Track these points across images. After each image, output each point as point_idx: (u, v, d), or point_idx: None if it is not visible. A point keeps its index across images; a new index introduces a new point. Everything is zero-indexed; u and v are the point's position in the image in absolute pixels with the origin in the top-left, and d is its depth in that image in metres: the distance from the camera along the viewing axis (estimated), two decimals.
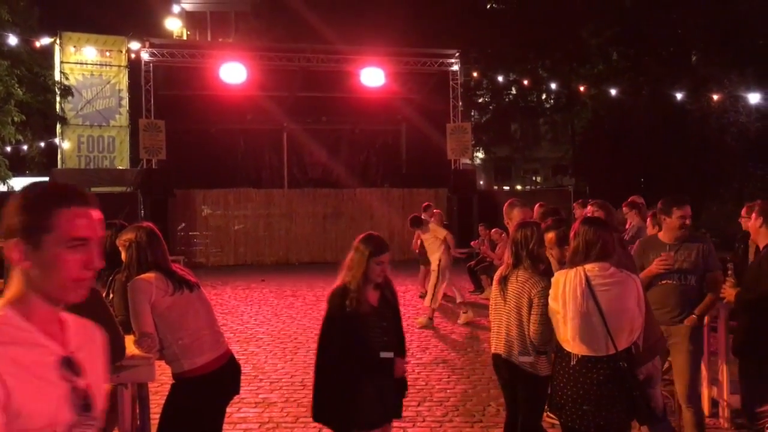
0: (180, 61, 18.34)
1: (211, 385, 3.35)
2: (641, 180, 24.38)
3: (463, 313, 9.63)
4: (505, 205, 5.49)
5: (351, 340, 3.47)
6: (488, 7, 30.17)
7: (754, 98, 20.50)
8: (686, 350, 4.31)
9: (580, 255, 3.46)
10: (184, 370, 3.30)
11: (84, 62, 19.56)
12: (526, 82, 25.40)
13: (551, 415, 4.84)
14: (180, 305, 3.30)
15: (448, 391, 6.24)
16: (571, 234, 3.61)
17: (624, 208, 7.29)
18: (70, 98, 19.39)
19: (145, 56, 18.17)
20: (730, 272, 4.60)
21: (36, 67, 19.50)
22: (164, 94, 18.51)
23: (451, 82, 19.68)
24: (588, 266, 3.40)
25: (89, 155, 19.71)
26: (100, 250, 1.52)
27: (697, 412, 4.36)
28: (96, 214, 1.52)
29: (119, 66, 19.85)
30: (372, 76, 18.49)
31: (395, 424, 4.10)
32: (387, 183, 20.96)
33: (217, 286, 13.56)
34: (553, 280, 3.57)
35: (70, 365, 1.47)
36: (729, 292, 4.38)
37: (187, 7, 35.50)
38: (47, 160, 21.63)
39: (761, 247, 4.47)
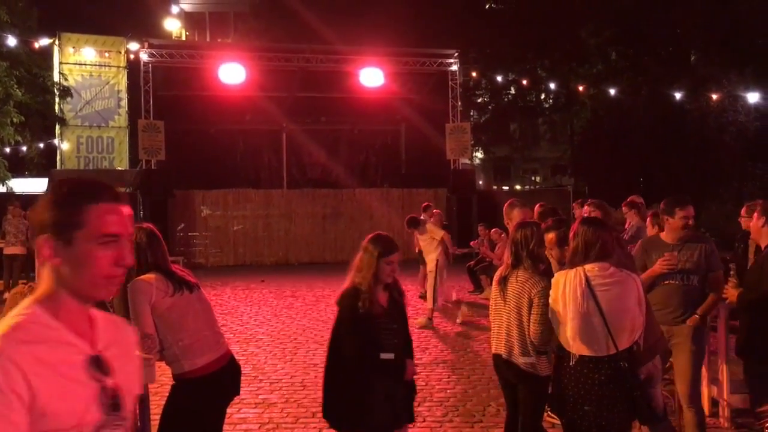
0: (179, 62, 18.34)
1: (212, 386, 3.35)
2: (640, 179, 24.39)
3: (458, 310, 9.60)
4: (505, 205, 5.49)
5: (363, 342, 3.42)
6: (487, 7, 30.16)
7: (753, 98, 20.52)
8: (688, 350, 4.31)
9: (579, 255, 3.46)
10: (185, 370, 3.30)
11: (83, 63, 19.54)
12: (525, 82, 25.39)
13: (551, 415, 4.85)
14: (180, 306, 3.29)
15: (448, 391, 6.24)
16: (571, 234, 3.61)
17: (623, 208, 7.29)
18: (69, 99, 19.38)
19: (144, 57, 18.17)
20: (732, 273, 4.61)
21: (35, 68, 19.48)
22: (163, 94, 18.50)
23: (450, 82, 19.68)
24: (588, 266, 3.40)
25: (88, 156, 19.70)
26: (131, 247, 1.52)
27: (698, 412, 4.36)
28: (126, 210, 1.51)
29: (118, 67, 19.84)
30: (371, 77, 18.50)
31: None
32: (386, 183, 20.96)
33: (217, 286, 13.55)
34: (553, 280, 3.57)
35: (98, 364, 1.46)
36: (731, 292, 4.39)
37: (186, 7, 35.52)
38: (46, 161, 21.62)
39: (762, 246, 4.48)
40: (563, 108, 29.03)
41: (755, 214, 4.54)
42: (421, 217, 10.30)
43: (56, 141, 19.80)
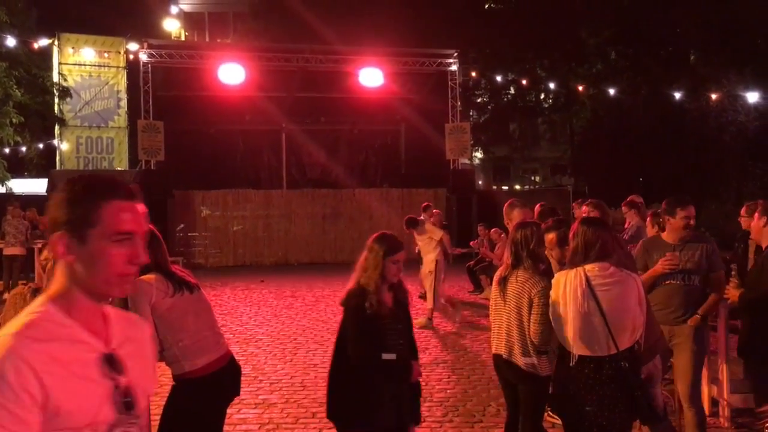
0: (178, 62, 18.33)
1: (212, 387, 3.34)
2: (640, 179, 24.40)
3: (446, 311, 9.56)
4: (505, 205, 5.48)
5: (370, 342, 3.37)
6: (486, 7, 30.16)
7: (752, 97, 20.53)
8: (689, 350, 4.32)
9: (579, 255, 3.46)
10: (185, 371, 3.30)
11: (82, 63, 19.53)
12: (524, 82, 25.40)
13: (552, 415, 4.85)
14: (180, 307, 3.29)
15: (448, 391, 6.24)
16: (570, 234, 3.60)
17: (623, 208, 7.28)
18: (68, 99, 19.37)
19: (143, 57, 18.17)
20: (733, 273, 4.61)
21: (34, 69, 19.49)
22: (163, 95, 18.50)
23: (449, 82, 19.69)
24: (588, 266, 3.40)
25: (88, 156, 19.69)
26: (145, 245, 1.51)
27: (699, 412, 4.36)
28: (141, 207, 1.50)
29: (117, 67, 19.82)
30: (370, 77, 18.50)
31: None
32: (386, 183, 20.95)
33: (217, 287, 13.55)
34: (553, 281, 3.57)
35: (111, 362, 1.45)
36: (732, 293, 4.40)
37: (185, 7, 35.51)
38: (46, 161, 21.64)
39: (763, 246, 4.48)
40: (563, 108, 29.05)
41: (756, 215, 4.54)
42: (421, 217, 10.29)
43: (55, 141, 19.79)
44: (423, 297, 10.24)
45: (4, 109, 17.87)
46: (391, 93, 19.34)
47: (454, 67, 19.60)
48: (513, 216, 5.25)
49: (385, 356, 3.36)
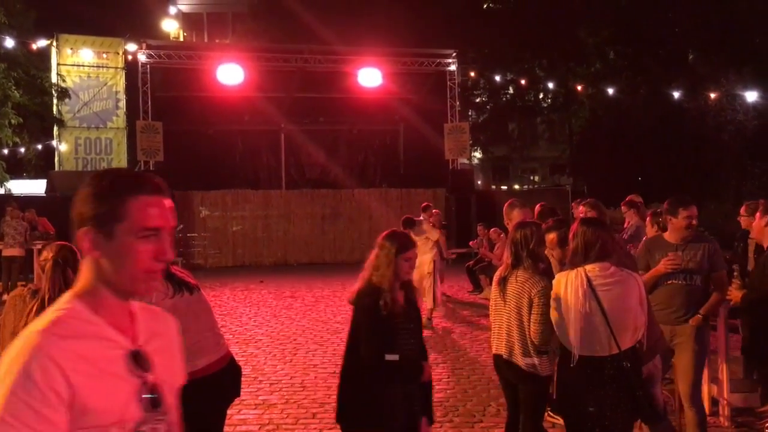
0: (177, 63, 18.32)
1: (212, 388, 3.33)
2: (639, 179, 24.40)
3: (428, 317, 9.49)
4: (505, 205, 5.47)
5: (383, 342, 3.30)
6: (485, 6, 30.17)
7: (751, 96, 20.56)
8: (691, 350, 4.32)
9: (579, 256, 3.46)
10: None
11: (81, 64, 19.51)
12: (523, 82, 25.41)
13: (552, 415, 4.85)
14: (180, 308, 3.28)
15: (448, 391, 6.23)
16: (570, 235, 3.60)
17: (622, 207, 7.27)
18: (67, 100, 19.34)
19: (142, 58, 18.16)
20: (735, 274, 4.61)
21: (33, 70, 19.47)
22: (161, 95, 18.49)
23: (448, 82, 19.70)
24: (588, 267, 3.40)
25: (86, 157, 19.66)
26: (172, 241, 1.48)
27: (700, 411, 4.36)
28: (168, 202, 1.48)
29: (116, 68, 19.80)
30: (369, 77, 18.50)
31: None
32: (385, 183, 20.97)
33: (216, 287, 13.55)
34: (554, 281, 3.57)
35: (138, 360, 1.43)
36: (735, 294, 4.40)
37: (184, 8, 35.49)
38: (44, 162, 21.60)
39: (765, 246, 4.48)
40: (562, 107, 29.06)
41: (757, 214, 4.54)
42: (420, 218, 10.30)
43: (54, 142, 19.77)
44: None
45: (2, 110, 17.86)
46: (389, 93, 19.35)
47: (452, 67, 19.61)
48: (513, 216, 5.24)
49: (389, 357, 3.32)
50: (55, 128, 19.55)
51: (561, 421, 4.58)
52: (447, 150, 19.33)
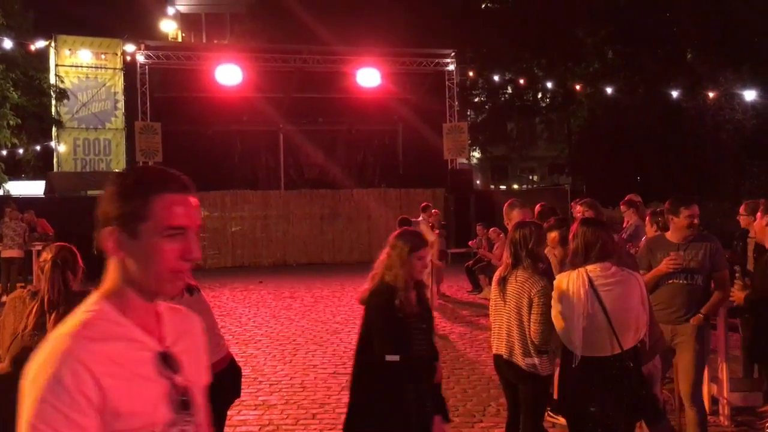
0: (175, 63, 18.32)
1: (212, 389, 3.33)
2: (638, 178, 24.42)
3: None
4: (505, 205, 5.47)
5: (397, 342, 3.25)
6: (483, 6, 30.20)
7: (749, 95, 20.57)
8: (692, 349, 4.31)
9: (579, 256, 3.45)
10: None
11: (79, 65, 19.49)
12: (522, 81, 25.41)
13: (552, 415, 4.85)
14: None
15: (448, 391, 6.22)
16: (570, 235, 3.60)
17: (621, 207, 7.27)
18: (65, 101, 19.31)
19: (140, 58, 18.15)
20: (737, 274, 4.61)
21: (31, 71, 19.45)
22: (160, 96, 18.49)
23: (447, 82, 19.70)
24: (590, 267, 3.40)
25: (85, 158, 19.64)
26: (198, 240, 1.45)
27: (700, 411, 4.36)
28: (194, 201, 1.44)
29: (114, 68, 19.78)
30: (368, 77, 18.51)
31: None
32: (384, 183, 20.96)
33: (215, 288, 13.54)
34: (556, 282, 3.56)
35: (167, 361, 1.41)
36: (738, 295, 4.39)
37: (182, 8, 35.48)
38: (43, 163, 21.57)
39: (767, 245, 4.48)
40: (560, 107, 29.07)
41: (758, 214, 4.54)
42: (419, 218, 10.31)
43: (53, 143, 19.74)
44: None
45: (1, 111, 17.83)
46: (388, 93, 19.35)
47: (451, 67, 19.61)
48: (513, 216, 5.24)
49: (389, 358, 3.29)
50: (54, 129, 19.53)
51: (561, 421, 4.59)
52: (446, 150, 19.34)
